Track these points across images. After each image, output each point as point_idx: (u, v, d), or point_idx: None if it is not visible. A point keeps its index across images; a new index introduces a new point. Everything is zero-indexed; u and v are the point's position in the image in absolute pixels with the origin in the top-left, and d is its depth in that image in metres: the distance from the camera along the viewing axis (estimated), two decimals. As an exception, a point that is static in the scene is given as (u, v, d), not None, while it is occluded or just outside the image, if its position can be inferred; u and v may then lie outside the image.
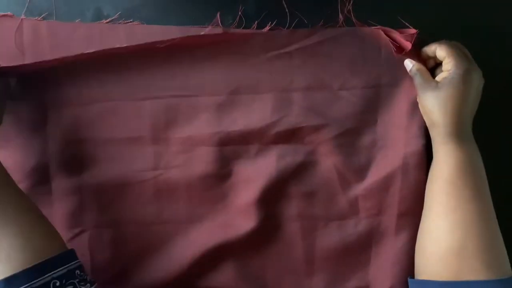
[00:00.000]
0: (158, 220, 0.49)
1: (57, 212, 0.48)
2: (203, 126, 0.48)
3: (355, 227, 0.49)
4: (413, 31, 0.46)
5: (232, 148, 0.49)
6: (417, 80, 0.45)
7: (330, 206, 0.49)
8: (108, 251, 0.49)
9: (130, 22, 0.49)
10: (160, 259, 0.49)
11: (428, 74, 0.45)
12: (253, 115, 0.48)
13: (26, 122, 0.48)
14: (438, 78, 0.44)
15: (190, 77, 0.48)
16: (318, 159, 0.49)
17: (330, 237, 0.50)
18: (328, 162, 0.49)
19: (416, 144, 0.47)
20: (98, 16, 0.50)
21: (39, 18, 0.48)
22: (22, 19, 0.48)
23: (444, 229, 0.41)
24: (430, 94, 0.43)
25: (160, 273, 0.48)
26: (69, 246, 0.44)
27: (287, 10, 0.49)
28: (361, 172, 0.49)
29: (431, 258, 0.42)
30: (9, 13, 0.48)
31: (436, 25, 0.49)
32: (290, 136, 0.48)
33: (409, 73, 0.46)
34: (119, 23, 0.49)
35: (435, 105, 0.43)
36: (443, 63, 0.44)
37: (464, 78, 0.42)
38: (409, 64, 0.46)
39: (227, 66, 0.48)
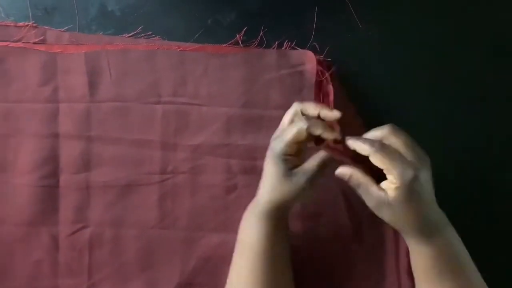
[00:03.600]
0: (160, 225, 0.49)
1: (63, 205, 0.49)
2: (212, 136, 0.49)
3: (358, 252, 0.49)
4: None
5: (239, 162, 0.49)
6: (364, 196, 0.39)
7: (334, 229, 0.49)
8: (107, 250, 0.49)
9: (152, 36, 0.50)
10: (160, 265, 0.49)
11: (371, 183, 0.39)
12: (262, 131, 0.49)
13: (38, 113, 0.49)
14: (384, 186, 0.38)
15: (202, 86, 0.49)
16: (325, 181, 0.46)
17: (334, 260, 0.49)
18: (335, 184, 0.48)
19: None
20: (102, 12, 0.50)
21: (62, 30, 0.49)
22: (46, 28, 0.49)
23: None
24: (385, 211, 0.38)
25: (158, 280, 0.49)
26: (70, 240, 0.48)
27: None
28: None
29: None
30: (32, 22, 0.49)
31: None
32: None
33: (348, 183, 0.40)
34: (141, 37, 0.50)
35: (394, 221, 0.39)
36: (384, 172, 0.38)
37: (414, 189, 0.37)
38: (345, 173, 0.39)
39: (239, 79, 0.49)
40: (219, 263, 0.49)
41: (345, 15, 0.50)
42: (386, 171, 0.37)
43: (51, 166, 0.48)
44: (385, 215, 0.38)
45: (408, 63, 0.50)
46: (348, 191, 0.48)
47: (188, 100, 0.49)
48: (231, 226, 0.48)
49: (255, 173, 0.48)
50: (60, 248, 0.49)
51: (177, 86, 0.49)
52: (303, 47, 0.50)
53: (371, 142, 0.37)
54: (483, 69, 0.50)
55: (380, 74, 0.50)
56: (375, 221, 0.47)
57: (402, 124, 0.51)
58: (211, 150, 0.49)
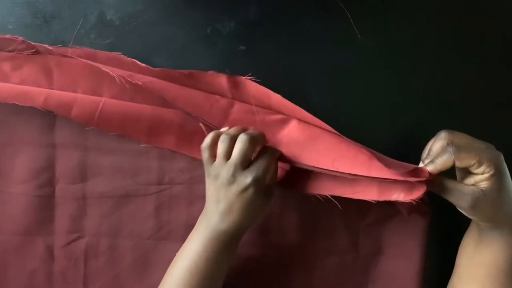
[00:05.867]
0: (156, 236, 0.49)
1: (59, 215, 0.49)
2: None
3: (354, 262, 0.49)
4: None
5: None
6: (455, 199, 0.38)
7: (330, 239, 0.49)
8: (103, 260, 0.49)
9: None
10: (156, 275, 0.48)
11: (459, 183, 0.38)
12: None
13: (35, 123, 0.48)
14: (471, 182, 0.38)
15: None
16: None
17: (329, 271, 0.49)
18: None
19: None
20: (102, 20, 0.50)
21: (57, 47, 0.48)
22: (35, 44, 0.48)
23: None
24: (482, 206, 0.37)
25: None
26: (65, 250, 0.48)
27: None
28: (363, 208, 0.48)
29: None
30: (22, 38, 0.47)
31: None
32: None
33: (437, 192, 0.39)
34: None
35: (492, 213, 0.38)
36: (472, 168, 0.37)
37: (504, 170, 0.37)
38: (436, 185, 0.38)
39: None
40: None
41: (344, 25, 0.50)
42: (477, 164, 0.36)
43: (47, 175, 0.48)
44: (482, 210, 0.37)
45: (407, 73, 0.51)
46: (344, 202, 0.46)
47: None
48: None
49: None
50: (55, 258, 0.49)
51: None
52: (302, 56, 0.50)
53: (445, 151, 0.37)
54: (483, 79, 0.51)
55: (378, 84, 0.50)
56: (372, 230, 0.48)
57: (400, 133, 0.51)
58: None
